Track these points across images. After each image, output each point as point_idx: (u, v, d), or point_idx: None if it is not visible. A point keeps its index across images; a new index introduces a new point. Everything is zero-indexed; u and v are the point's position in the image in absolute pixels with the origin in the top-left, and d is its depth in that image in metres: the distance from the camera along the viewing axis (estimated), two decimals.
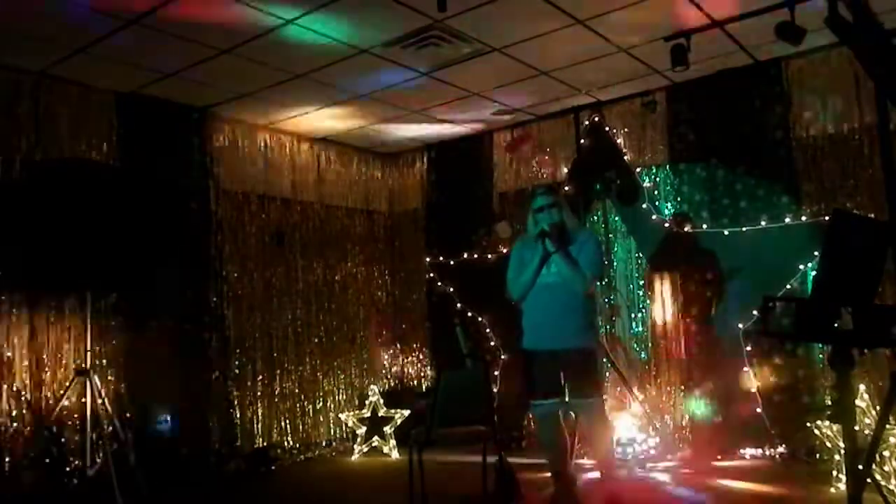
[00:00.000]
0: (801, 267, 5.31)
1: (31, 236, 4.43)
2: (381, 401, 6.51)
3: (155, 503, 4.71)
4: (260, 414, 6.53)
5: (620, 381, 5.90)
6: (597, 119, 6.49)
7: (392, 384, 7.71)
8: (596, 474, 4.81)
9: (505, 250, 6.82)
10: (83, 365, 4.76)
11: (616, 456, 5.04)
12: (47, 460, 5.00)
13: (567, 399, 4.16)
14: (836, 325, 2.55)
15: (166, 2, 4.31)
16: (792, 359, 5.44)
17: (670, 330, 6.06)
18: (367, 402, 6.55)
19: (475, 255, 7.10)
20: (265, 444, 6.46)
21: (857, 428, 3.01)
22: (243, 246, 6.58)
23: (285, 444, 6.66)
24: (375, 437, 6.42)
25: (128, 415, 5.42)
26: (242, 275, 6.54)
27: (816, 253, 4.81)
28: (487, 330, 6.95)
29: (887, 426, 3.80)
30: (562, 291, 4.15)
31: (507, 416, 6.42)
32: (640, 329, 6.24)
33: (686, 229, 5.93)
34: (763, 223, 5.55)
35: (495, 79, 5.85)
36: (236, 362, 6.39)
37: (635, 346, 6.24)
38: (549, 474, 4.43)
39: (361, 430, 6.43)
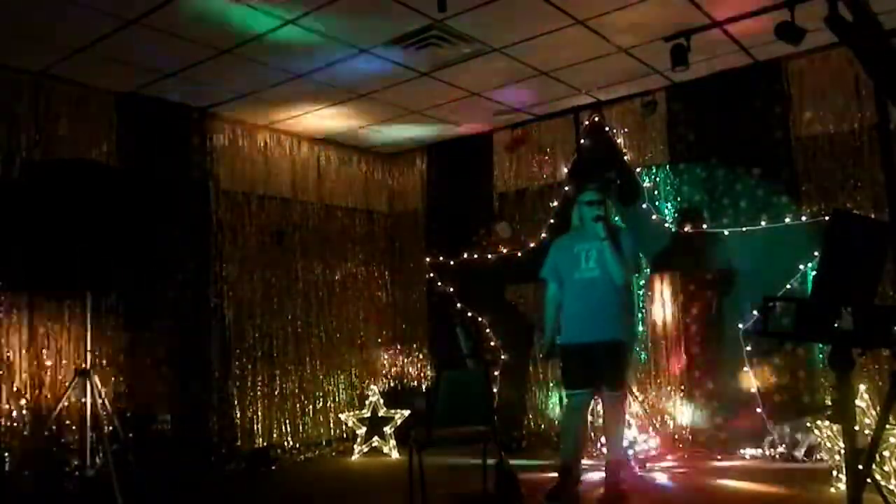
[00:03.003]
0: (801, 267, 5.31)
1: (31, 236, 4.42)
2: (381, 401, 6.50)
3: (155, 503, 4.71)
4: (260, 414, 6.53)
5: None
6: (597, 119, 6.50)
7: (392, 384, 7.71)
8: (600, 473, 4.81)
9: (505, 251, 6.84)
10: (83, 365, 4.76)
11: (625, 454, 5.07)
12: (47, 460, 5.00)
13: (600, 389, 4.27)
14: (836, 325, 2.55)
15: (166, 2, 4.31)
16: (792, 359, 5.44)
17: (670, 330, 6.07)
18: (367, 402, 6.55)
19: (475, 255, 7.11)
20: (265, 444, 6.46)
21: (857, 428, 3.01)
22: (243, 246, 6.58)
23: (285, 444, 6.66)
24: (375, 437, 6.42)
25: (128, 415, 5.42)
26: (242, 275, 6.54)
27: (816, 253, 4.81)
28: (487, 330, 6.95)
29: (887, 426, 3.79)
30: (600, 285, 4.26)
31: (507, 417, 6.44)
32: (640, 329, 6.23)
33: (686, 229, 5.93)
34: (763, 223, 5.55)
35: (495, 79, 5.85)
36: (236, 362, 6.39)
37: (635, 347, 6.23)
38: (553, 471, 4.44)
39: (361, 430, 6.42)
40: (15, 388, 4.98)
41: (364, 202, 7.81)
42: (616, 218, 5.42)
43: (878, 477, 3.66)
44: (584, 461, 5.18)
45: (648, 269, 6.13)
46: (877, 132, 5.10)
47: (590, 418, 5.20)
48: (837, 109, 5.40)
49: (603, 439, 5.17)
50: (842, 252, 2.57)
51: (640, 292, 6.26)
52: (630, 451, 5.33)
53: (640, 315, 6.20)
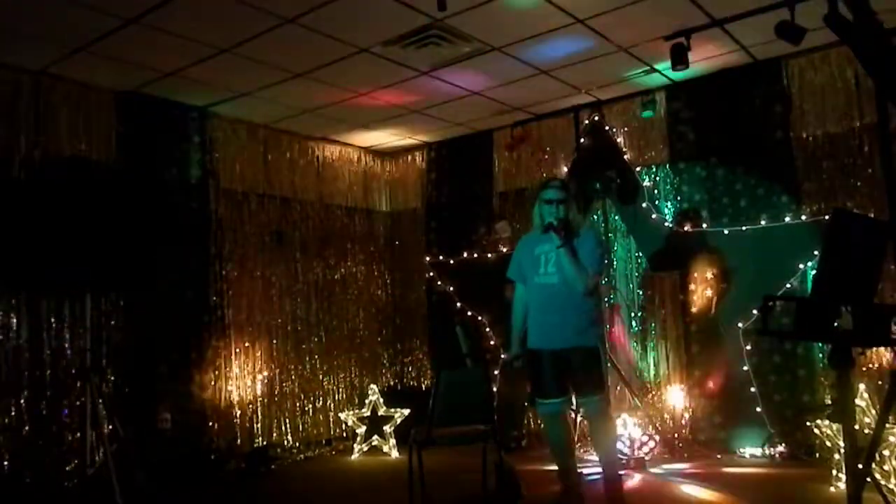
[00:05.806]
0: (801, 266, 5.31)
1: (30, 236, 4.42)
2: (381, 400, 6.50)
3: (155, 503, 4.71)
4: (260, 413, 6.54)
5: (620, 381, 5.91)
6: (597, 118, 6.50)
7: (392, 384, 7.71)
8: (598, 473, 4.81)
9: (505, 250, 6.84)
10: (83, 365, 4.75)
11: (618, 455, 5.04)
12: (47, 460, 5.00)
13: (570, 398, 4.16)
14: (835, 323, 2.55)
15: (166, 1, 4.31)
16: (792, 358, 5.44)
17: (670, 329, 6.06)
18: (366, 402, 6.55)
19: (475, 255, 7.11)
20: (265, 443, 6.46)
21: (857, 427, 3.01)
22: (243, 245, 6.58)
23: (285, 443, 6.66)
24: (375, 437, 6.41)
25: (128, 415, 5.41)
26: (242, 274, 6.54)
27: (816, 252, 4.81)
28: (487, 330, 6.95)
29: (887, 425, 3.80)
30: (564, 290, 4.14)
31: (507, 416, 6.43)
32: (635, 327, 6.23)
33: (686, 228, 5.93)
34: (763, 222, 5.55)
35: (495, 79, 5.85)
36: (236, 362, 6.39)
37: (635, 345, 6.24)
38: (553, 473, 4.43)
39: (361, 430, 6.42)
40: (15, 389, 4.98)
41: (364, 201, 7.81)
42: (592, 217, 5.23)
43: (877, 476, 3.66)
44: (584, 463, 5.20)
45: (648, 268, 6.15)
46: (877, 132, 5.10)
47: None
48: (837, 109, 5.40)
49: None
50: (841, 251, 2.57)
51: (640, 292, 6.27)
52: (630, 451, 5.34)
53: (638, 313, 6.22)
